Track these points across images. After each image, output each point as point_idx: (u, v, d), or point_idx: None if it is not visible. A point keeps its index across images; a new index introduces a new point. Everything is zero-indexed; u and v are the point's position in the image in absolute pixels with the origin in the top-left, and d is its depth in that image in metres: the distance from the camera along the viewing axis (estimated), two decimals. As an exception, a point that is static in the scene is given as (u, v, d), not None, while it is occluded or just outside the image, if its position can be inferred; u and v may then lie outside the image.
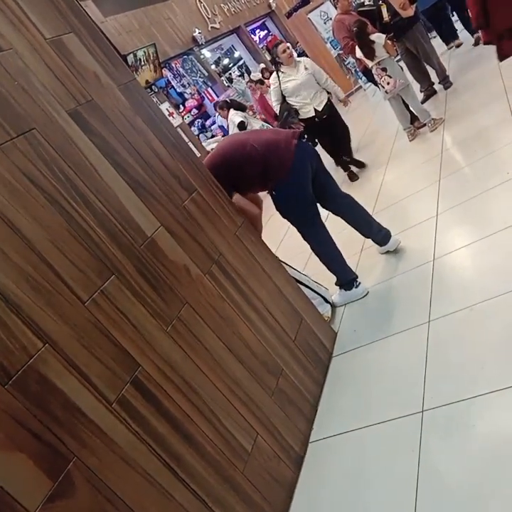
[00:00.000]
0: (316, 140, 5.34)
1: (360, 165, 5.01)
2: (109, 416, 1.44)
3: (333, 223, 3.15)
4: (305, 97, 4.77)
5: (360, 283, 2.95)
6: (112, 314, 1.57)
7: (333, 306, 3.01)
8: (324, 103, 4.82)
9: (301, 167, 2.78)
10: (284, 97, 4.86)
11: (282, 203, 2.87)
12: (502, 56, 3.08)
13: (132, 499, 1.40)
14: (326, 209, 3.09)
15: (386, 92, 4.62)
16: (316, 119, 4.82)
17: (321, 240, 2.98)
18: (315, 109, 4.80)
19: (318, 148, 4.95)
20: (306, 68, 4.77)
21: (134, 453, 1.46)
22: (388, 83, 4.55)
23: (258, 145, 2.72)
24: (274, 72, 4.90)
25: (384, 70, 4.55)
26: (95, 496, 1.32)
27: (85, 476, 1.31)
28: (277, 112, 5.01)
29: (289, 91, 4.80)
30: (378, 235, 3.10)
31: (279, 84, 4.83)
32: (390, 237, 3.11)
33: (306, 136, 4.93)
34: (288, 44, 5.05)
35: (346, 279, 2.96)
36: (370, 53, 4.52)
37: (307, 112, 4.83)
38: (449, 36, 6.63)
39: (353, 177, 4.93)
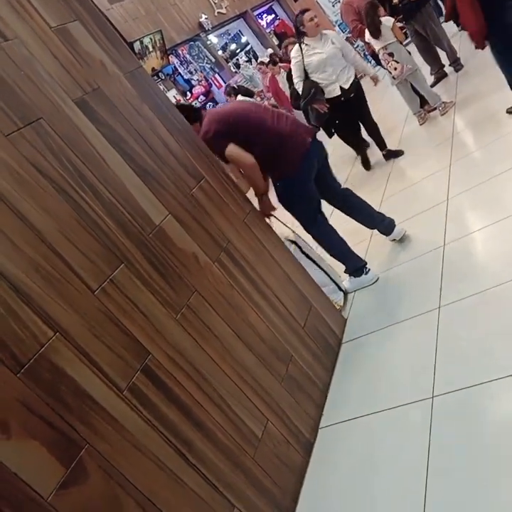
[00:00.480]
0: (333, 130, 4.86)
1: (399, 153, 4.43)
2: (120, 403, 1.45)
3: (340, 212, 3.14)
4: (331, 73, 4.20)
5: (369, 269, 2.94)
6: (121, 303, 1.58)
7: (346, 294, 3.00)
8: (352, 80, 4.26)
9: (309, 167, 2.79)
10: (306, 74, 4.25)
11: (285, 197, 2.87)
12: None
13: (144, 484, 1.42)
14: (328, 203, 3.07)
15: (393, 77, 4.56)
16: (342, 98, 4.27)
17: (323, 233, 2.98)
18: (341, 88, 4.25)
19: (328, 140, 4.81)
20: (333, 42, 4.20)
21: (145, 439, 1.48)
22: (395, 68, 4.48)
23: (278, 130, 2.69)
24: (297, 45, 4.28)
25: (391, 54, 4.48)
26: (107, 481, 1.34)
27: (97, 462, 1.33)
28: (299, 90, 4.31)
29: (313, 66, 4.20)
30: (381, 224, 3.07)
31: (302, 58, 4.20)
32: (393, 226, 3.07)
33: (328, 119, 4.39)
34: (314, 12, 4.36)
35: (354, 267, 2.96)
36: (375, 32, 4.45)
37: (332, 91, 4.26)
38: None
39: (368, 166, 4.62)
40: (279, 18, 11.51)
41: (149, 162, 1.94)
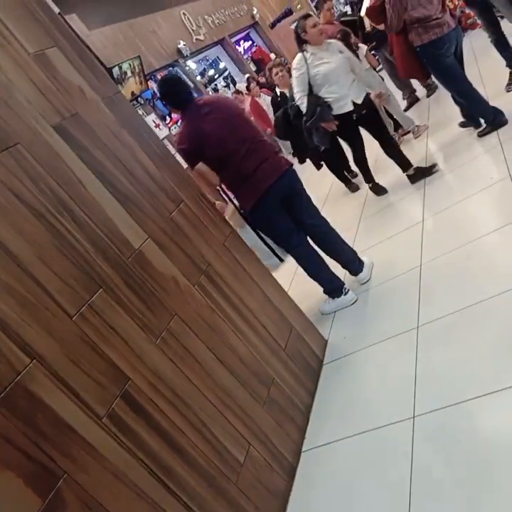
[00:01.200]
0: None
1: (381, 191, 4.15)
2: (99, 431, 1.42)
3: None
4: (341, 86, 3.63)
5: (348, 290, 2.96)
6: (100, 328, 1.56)
7: (282, 260, 3.06)
8: (364, 95, 3.75)
9: (270, 204, 2.78)
10: (310, 87, 3.68)
11: (253, 224, 2.91)
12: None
13: (124, 515, 1.38)
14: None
15: None
16: (354, 115, 3.75)
17: (299, 256, 3.02)
18: (353, 103, 3.71)
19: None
20: (340, 51, 3.68)
21: (125, 468, 1.45)
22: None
23: (241, 168, 2.70)
24: (299, 55, 3.67)
25: None
26: (86, 513, 1.30)
27: (76, 492, 1.29)
28: (302, 107, 3.75)
29: (320, 77, 3.61)
30: (351, 263, 3.05)
31: (308, 68, 3.61)
32: (361, 270, 3.04)
33: (338, 135, 3.96)
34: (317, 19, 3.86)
35: (332, 288, 2.98)
36: None
37: (343, 106, 3.69)
38: None
39: (379, 191, 4.11)
40: (256, 45, 11.76)
41: (128, 186, 1.94)
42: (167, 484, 1.55)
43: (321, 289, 3.05)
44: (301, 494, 1.97)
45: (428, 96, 5.51)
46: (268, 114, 6.53)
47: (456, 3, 3.60)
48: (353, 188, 4.61)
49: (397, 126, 4.88)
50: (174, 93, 2.70)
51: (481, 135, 3.65)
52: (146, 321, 1.73)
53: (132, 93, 6.59)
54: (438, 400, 1.89)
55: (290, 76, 4.04)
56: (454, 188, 3.30)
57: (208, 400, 1.83)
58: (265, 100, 6.85)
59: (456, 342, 2.10)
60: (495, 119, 3.51)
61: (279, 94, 4.38)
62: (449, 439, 1.74)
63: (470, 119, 3.87)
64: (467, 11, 3.59)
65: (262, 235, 2.94)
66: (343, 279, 3.01)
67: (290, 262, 4.03)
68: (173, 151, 5.18)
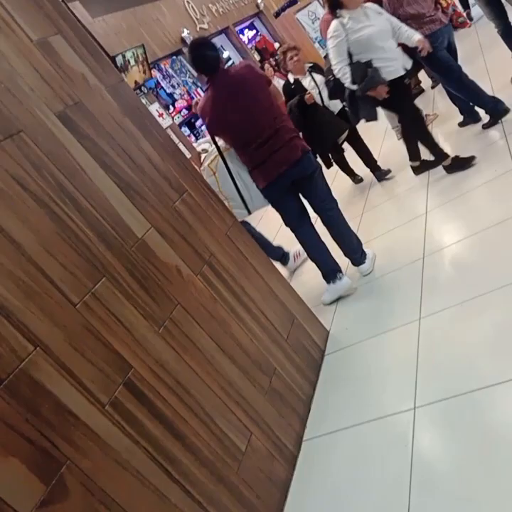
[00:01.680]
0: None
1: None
2: (102, 418, 1.43)
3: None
4: (389, 48, 3.21)
5: (343, 276, 2.99)
6: (103, 316, 1.56)
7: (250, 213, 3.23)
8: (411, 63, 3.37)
9: (279, 188, 2.87)
10: (350, 56, 3.26)
11: (269, 201, 3.03)
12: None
13: (126, 501, 1.40)
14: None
15: None
16: (406, 79, 3.36)
17: (302, 237, 3.11)
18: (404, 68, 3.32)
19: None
20: (380, 13, 3.29)
21: (127, 455, 1.46)
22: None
23: (254, 156, 2.78)
24: (335, 20, 3.28)
25: None
26: (89, 499, 1.31)
27: (79, 479, 1.31)
28: (344, 77, 3.30)
29: (363, 42, 3.18)
30: (354, 254, 3.07)
31: (347, 35, 3.21)
32: (363, 262, 3.05)
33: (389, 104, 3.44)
34: None
35: (328, 271, 3.02)
36: None
37: (393, 71, 3.23)
38: None
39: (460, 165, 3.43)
40: (260, 34, 11.66)
41: (132, 175, 1.94)
42: (169, 471, 1.56)
43: (322, 279, 3.06)
44: (302, 483, 1.99)
45: (432, 87, 5.47)
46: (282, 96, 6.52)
47: (449, 1, 3.72)
48: (357, 180, 4.58)
49: None
50: (201, 58, 2.67)
51: (485, 127, 3.65)
52: (149, 310, 1.73)
53: (135, 82, 6.55)
54: (439, 392, 1.89)
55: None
56: (458, 181, 3.28)
57: (210, 389, 1.84)
58: (279, 83, 6.81)
59: (458, 334, 2.11)
60: (495, 108, 3.51)
61: (293, 81, 3.93)
62: (449, 431, 1.75)
63: (469, 115, 3.86)
64: (458, 9, 3.63)
65: (238, 185, 3.07)
66: (345, 269, 3.02)
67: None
68: (176, 140, 5.16)
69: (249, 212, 3.19)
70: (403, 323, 2.39)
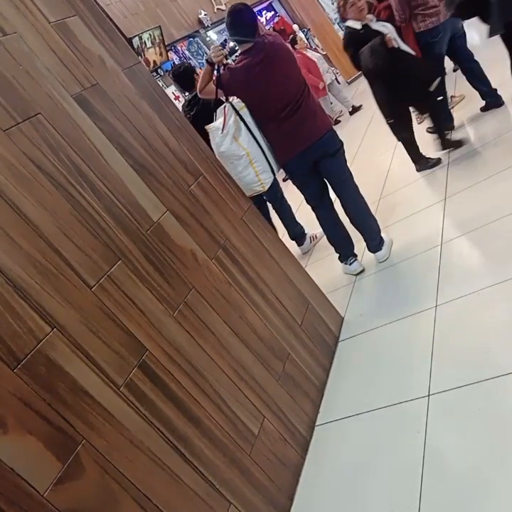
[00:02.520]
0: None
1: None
2: (117, 399, 1.45)
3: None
4: None
5: (354, 260, 3.07)
6: (119, 299, 1.58)
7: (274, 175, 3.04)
8: None
9: (297, 166, 2.86)
10: None
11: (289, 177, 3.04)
12: None
13: (140, 480, 1.42)
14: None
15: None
16: None
17: (321, 217, 3.13)
18: None
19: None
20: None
21: (141, 435, 1.48)
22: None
23: (271, 132, 2.72)
24: None
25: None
26: (103, 477, 1.34)
27: (94, 458, 1.33)
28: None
29: None
30: (371, 240, 3.04)
31: None
32: (380, 248, 3.03)
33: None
34: None
35: (340, 252, 3.13)
36: None
37: None
38: None
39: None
40: (278, 15, 11.49)
41: (147, 158, 1.94)
42: (182, 452, 1.58)
43: (338, 264, 3.09)
44: (313, 467, 2.00)
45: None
46: (318, 69, 6.49)
47: None
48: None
49: None
50: (243, 26, 2.64)
51: (484, 109, 3.78)
52: (163, 293, 1.74)
53: (154, 62, 6.52)
54: (454, 379, 1.88)
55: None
56: (478, 166, 3.22)
57: (224, 373, 1.85)
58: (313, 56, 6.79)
59: (474, 322, 2.08)
60: (489, 101, 3.75)
61: (361, 27, 3.45)
62: (463, 419, 1.74)
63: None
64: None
65: (261, 145, 2.80)
66: (361, 256, 3.01)
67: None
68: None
69: (274, 174, 2.95)
70: (419, 310, 2.37)
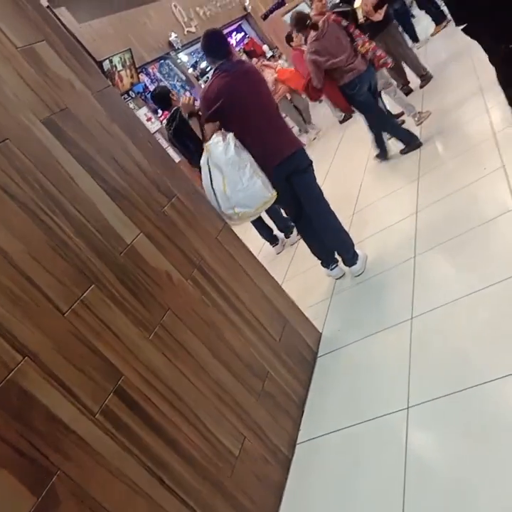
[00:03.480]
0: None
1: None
2: (92, 427, 1.42)
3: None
4: None
5: (335, 266, 3.21)
6: (92, 324, 1.55)
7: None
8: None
9: (276, 180, 2.83)
10: None
11: None
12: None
13: (119, 510, 1.39)
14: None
15: None
16: None
17: (300, 230, 3.32)
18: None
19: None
20: None
21: (119, 463, 1.45)
22: (391, 67, 4.50)
23: (258, 127, 2.76)
24: None
25: None
26: (80, 508, 1.30)
27: (70, 489, 1.30)
28: None
29: None
30: (345, 254, 3.09)
31: None
32: (355, 263, 3.07)
33: None
34: None
35: (322, 260, 3.26)
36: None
37: None
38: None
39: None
40: (248, 37, 11.68)
41: (120, 181, 1.93)
42: (162, 479, 1.55)
43: (314, 280, 3.11)
44: (296, 486, 1.98)
45: (421, 87, 5.50)
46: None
47: (368, 48, 4.03)
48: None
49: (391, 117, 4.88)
50: (216, 44, 2.83)
51: (403, 153, 4.20)
52: (139, 316, 1.73)
53: (131, 84, 6.58)
54: (432, 391, 1.90)
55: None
56: (448, 180, 3.30)
57: (202, 394, 1.83)
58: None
59: (450, 332, 2.11)
60: (410, 143, 4.14)
61: None
62: (443, 429, 1.76)
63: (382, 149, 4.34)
64: (378, 53, 4.07)
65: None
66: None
67: (284, 255, 4.05)
68: (165, 144, 5.15)
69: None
70: (395, 322, 2.39)
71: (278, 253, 4.33)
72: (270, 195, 2.71)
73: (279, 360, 2.34)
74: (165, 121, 4.07)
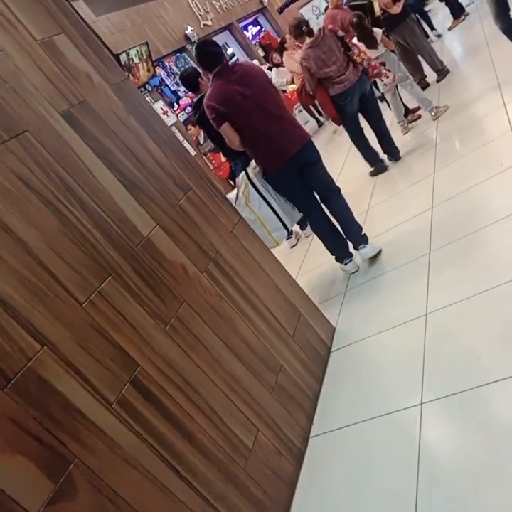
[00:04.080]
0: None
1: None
2: (109, 417, 1.44)
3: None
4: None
5: (350, 261, 3.19)
6: (109, 315, 1.57)
7: (290, 233, 3.68)
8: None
9: (285, 174, 2.98)
10: None
11: (272, 185, 3.10)
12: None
13: (134, 499, 1.40)
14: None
15: (385, 85, 4.59)
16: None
17: (312, 222, 3.32)
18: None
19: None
20: None
21: (135, 453, 1.47)
22: (387, 77, 4.52)
23: (257, 133, 2.84)
24: None
25: (383, 64, 4.53)
26: (97, 496, 1.32)
27: (86, 477, 1.32)
28: None
29: None
30: (355, 237, 3.16)
31: None
32: (363, 244, 3.14)
33: None
34: None
35: (336, 255, 3.26)
36: (372, 42, 4.43)
37: None
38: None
39: None
40: (264, 30, 11.63)
41: (136, 173, 1.94)
42: (176, 468, 1.57)
43: (328, 275, 3.12)
44: (308, 480, 1.99)
45: (438, 81, 5.43)
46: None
47: (363, 57, 4.03)
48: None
49: (407, 111, 4.83)
50: (206, 54, 2.90)
51: (372, 175, 4.35)
52: (155, 308, 1.74)
53: (148, 77, 6.60)
54: (446, 387, 1.89)
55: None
56: (464, 175, 3.26)
57: (217, 387, 1.84)
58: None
59: (464, 330, 2.10)
60: (375, 166, 4.31)
61: None
62: (456, 426, 1.75)
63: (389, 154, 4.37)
64: (373, 63, 4.08)
65: (273, 206, 3.10)
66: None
67: (298, 249, 4.05)
68: (181, 138, 5.16)
69: (288, 231, 3.27)
70: (409, 319, 2.38)
71: (292, 246, 4.34)
72: (272, 244, 3.10)
73: (293, 354, 2.34)
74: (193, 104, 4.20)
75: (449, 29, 7.05)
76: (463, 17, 6.80)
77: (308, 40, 3.94)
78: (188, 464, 1.61)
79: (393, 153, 4.32)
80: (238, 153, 3.41)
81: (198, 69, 3.74)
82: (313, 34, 3.90)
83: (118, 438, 1.43)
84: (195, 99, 4.04)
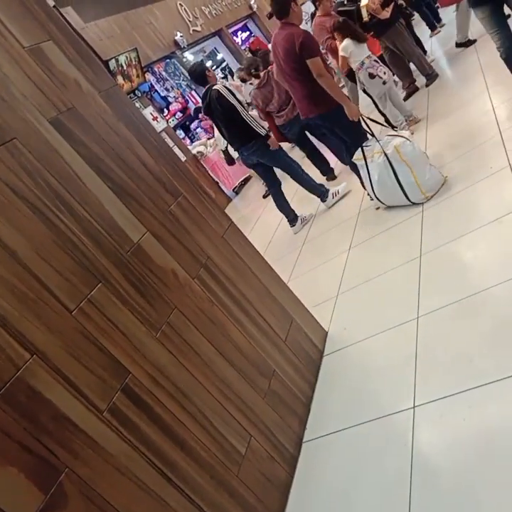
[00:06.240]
0: None
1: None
2: (100, 425, 1.43)
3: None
4: None
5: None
6: (100, 322, 1.56)
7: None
8: None
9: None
10: None
11: (341, 123, 3.57)
12: None
13: (126, 508, 1.39)
14: None
15: (384, 82, 4.60)
16: None
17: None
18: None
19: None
20: None
21: (126, 461, 1.45)
22: (384, 73, 4.59)
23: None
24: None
25: (377, 61, 4.59)
26: (88, 506, 1.31)
27: (78, 486, 1.30)
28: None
29: None
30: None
31: None
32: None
33: None
34: None
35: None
36: (362, 37, 4.58)
37: None
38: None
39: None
40: (253, 36, 11.67)
41: (126, 180, 1.94)
42: (169, 477, 1.56)
43: (320, 279, 3.09)
44: (302, 484, 1.99)
45: (427, 85, 5.47)
46: None
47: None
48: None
49: (388, 121, 4.85)
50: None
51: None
52: (145, 314, 1.73)
53: (137, 83, 6.61)
54: (438, 390, 1.89)
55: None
56: (454, 178, 3.28)
57: (209, 393, 1.84)
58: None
59: (456, 332, 2.11)
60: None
61: None
62: (449, 429, 1.75)
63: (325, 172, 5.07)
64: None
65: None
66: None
67: (289, 255, 4.05)
68: (171, 143, 5.16)
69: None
70: (401, 322, 2.39)
71: (295, 233, 4.49)
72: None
73: (285, 359, 2.34)
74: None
75: (430, 36, 7.16)
76: (439, 28, 7.09)
77: (255, 81, 4.92)
78: (181, 471, 1.60)
79: (329, 171, 5.01)
80: (241, 139, 4.09)
81: (204, 64, 4.36)
82: (260, 77, 4.85)
83: (109, 447, 1.42)
84: (203, 92, 4.31)
